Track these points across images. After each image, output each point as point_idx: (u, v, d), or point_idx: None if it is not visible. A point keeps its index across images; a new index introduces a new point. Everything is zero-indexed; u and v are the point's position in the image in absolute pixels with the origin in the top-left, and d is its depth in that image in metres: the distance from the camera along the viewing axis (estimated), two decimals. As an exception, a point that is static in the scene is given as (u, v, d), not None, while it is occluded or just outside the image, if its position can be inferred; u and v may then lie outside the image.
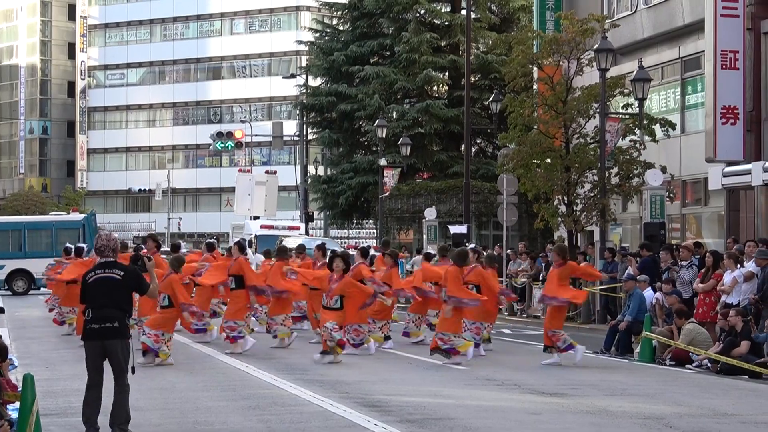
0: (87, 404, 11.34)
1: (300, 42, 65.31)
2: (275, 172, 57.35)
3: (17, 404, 10.44)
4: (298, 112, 62.17)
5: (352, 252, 24.38)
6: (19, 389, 11.47)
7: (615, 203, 32.75)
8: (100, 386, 11.37)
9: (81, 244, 29.56)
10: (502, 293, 21.57)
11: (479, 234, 42.86)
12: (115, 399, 11.29)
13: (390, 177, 45.82)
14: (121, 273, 11.46)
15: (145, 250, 22.00)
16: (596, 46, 29.70)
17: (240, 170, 63.92)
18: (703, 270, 21.42)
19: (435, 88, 52.28)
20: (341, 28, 55.75)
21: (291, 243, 38.88)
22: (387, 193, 45.45)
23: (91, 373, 11.39)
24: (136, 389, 14.25)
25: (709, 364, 18.82)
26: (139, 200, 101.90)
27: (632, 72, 30.47)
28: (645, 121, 30.39)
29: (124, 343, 11.38)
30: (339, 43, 53.66)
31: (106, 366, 11.41)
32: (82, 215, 50.72)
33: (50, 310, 29.39)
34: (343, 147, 54.19)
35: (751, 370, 17.80)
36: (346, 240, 64.40)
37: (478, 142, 51.73)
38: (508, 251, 34.43)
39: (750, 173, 27.21)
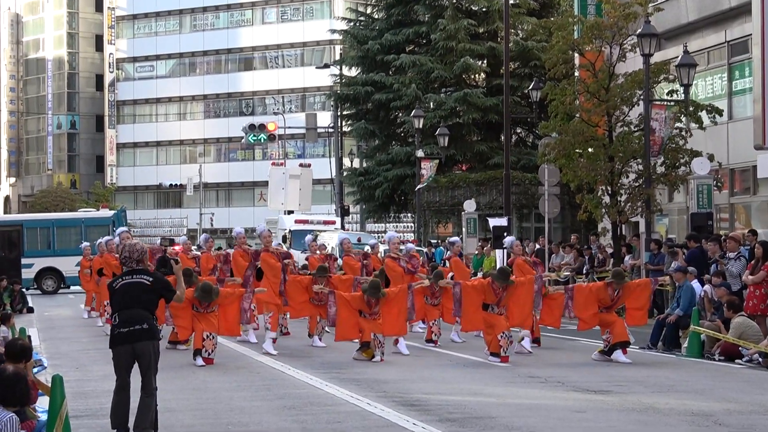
0: (116, 408, 11.18)
1: (333, 31, 64.82)
2: (309, 165, 57.05)
3: (46, 405, 10.33)
4: (332, 103, 61.76)
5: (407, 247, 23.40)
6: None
7: (661, 193, 32.59)
8: (128, 389, 11.22)
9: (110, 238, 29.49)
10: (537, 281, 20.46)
11: (520, 226, 42.62)
12: (142, 402, 11.08)
13: (427, 169, 45.33)
14: (150, 279, 11.36)
15: (172, 250, 21.77)
16: (639, 30, 29.39)
17: (273, 163, 63.75)
18: (752, 261, 20.75)
19: (473, 76, 52.05)
20: (376, 16, 55.54)
21: (326, 237, 38.42)
22: (423, 184, 44.90)
23: (120, 378, 11.22)
24: (168, 389, 14.41)
25: (760, 359, 18.37)
26: (170, 195, 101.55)
27: (677, 57, 30.35)
28: (691, 108, 30.33)
29: (154, 345, 11.24)
30: (373, 31, 53.36)
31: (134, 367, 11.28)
32: (112, 212, 50.45)
33: (91, 309, 29.44)
34: (378, 138, 53.85)
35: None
36: (383, 234, 63.91)
37: (518, 131, 51.41)
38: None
39: (800, 160, 26.86)
